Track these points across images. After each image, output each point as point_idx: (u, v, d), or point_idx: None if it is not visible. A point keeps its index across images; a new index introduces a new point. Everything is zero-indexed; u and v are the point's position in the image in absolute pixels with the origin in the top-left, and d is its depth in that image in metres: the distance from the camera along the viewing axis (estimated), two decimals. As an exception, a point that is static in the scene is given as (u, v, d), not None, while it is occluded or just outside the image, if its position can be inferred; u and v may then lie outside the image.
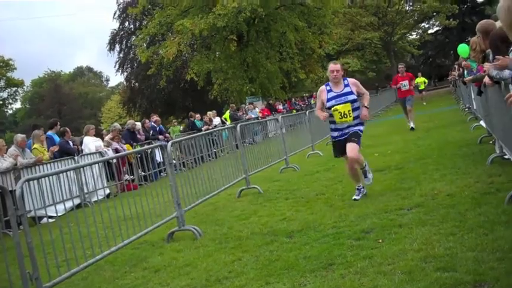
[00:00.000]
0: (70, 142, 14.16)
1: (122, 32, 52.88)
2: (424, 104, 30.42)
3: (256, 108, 30.40)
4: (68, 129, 14.50)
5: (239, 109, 28.09)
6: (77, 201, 10.17)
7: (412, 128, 16.25)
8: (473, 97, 13.89)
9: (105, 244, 6.26)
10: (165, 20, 33.76)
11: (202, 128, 20.98)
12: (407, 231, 5.35)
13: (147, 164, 11.66)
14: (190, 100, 50.73)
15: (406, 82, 16.97)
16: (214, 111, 26.04)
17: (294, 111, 33.32)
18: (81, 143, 14.92)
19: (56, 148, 13.43)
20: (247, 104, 32.53)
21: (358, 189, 7.62)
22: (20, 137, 12.39)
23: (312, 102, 41.90)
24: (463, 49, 12.32)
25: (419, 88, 32.63)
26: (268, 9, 32.29)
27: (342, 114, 7.42)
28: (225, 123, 24.29)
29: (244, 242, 6.26)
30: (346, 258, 4.87)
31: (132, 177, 13.21)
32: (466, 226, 5.13)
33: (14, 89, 71.29)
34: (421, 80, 33.41)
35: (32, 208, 7.53)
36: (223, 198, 9.90)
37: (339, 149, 7.62)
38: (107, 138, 16.25)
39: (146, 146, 14.32)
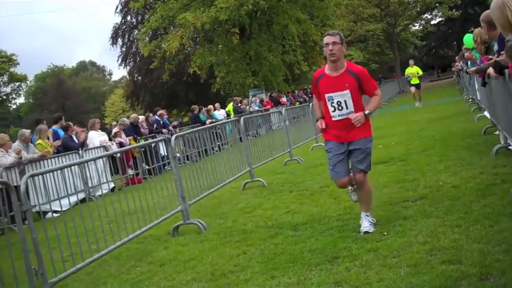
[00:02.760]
0: (74, 137, 14.17)
1: (124, 26, 52.90)
2: (419, 105, 22.93)
3: (258, 99, 30.29)
4: (71, 123, 14.52)
5: (241, 101, 28.03)
6: (81, 195, 10.16)
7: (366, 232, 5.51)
8: (477, 88, 13.84)
9: (110, 239, 6.27)
10: (167, 13, 33.67)
11: (207, 122, 20.95)
12: (413, 223, 5.34)
13: (151, 158, 11.66)
14: (193, 93, 50.78)
15: (346, 100, 5.63)
16: (217, 104, 25.93)
17: (297, 103, 33.27)
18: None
19: (58, 143, 13.46)
20: (251, 96, 32.52)
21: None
22: (27, 132, 12.41)
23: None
24: (468, 39, 12.29)
25: (412, 82, 23.82)
26: (270, 2, 32.21)
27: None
28: (229, 116, 24.26)
29: (249, 236, 6.26)
30: (351, 251, 4.86)
31: (136, 171, 13.22)
32: (471, 218, 5.11)
33: (17, 84, 71.27)
34: (413, 71, 24.07)
35: (36, 203, 7.55)
36: (228, 191, 9.89)
37: None
38: (115, 130, 16.31)
39: (150, 140, 14.34)
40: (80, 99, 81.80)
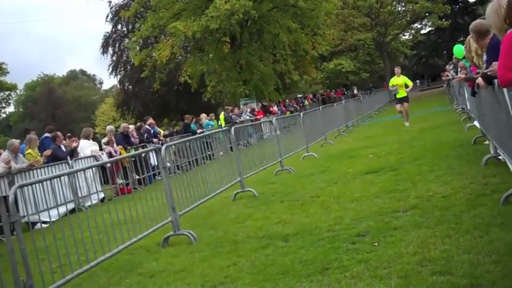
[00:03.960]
0: (62, 147, 14.12)
1: (115, 35, 52.91)
2: (407, 124, 18.21)
3: (248, 109, 30.27)
4: (59, 133, 14.42)
5: (233, 110, 28.02)
6: (70, 206, 10.10)
7: None
8: (467, 97, 13.91)
9: (99, 250, 6.22)
10: (157, 22, 33.67)
11: (197, 131, 20.91)
12: (403, 234, 5.33)
13: (142, 168, 11.61)
14: (184, 102, 50.78)
15: None
16: (204, 115, 25.82)
17: (288, 112, 33.33)
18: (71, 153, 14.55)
19: (49, 152, 13.38)
20: (242, 105, 32.54)
21: None
22: (16, 142, 12.32)
23: (306, 103, 41.92)
24: (458, 50, 12.36)
25: (398, 96, 18.69)
26: (260, 11, 32.29)
27: None
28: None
29: (240, 246, 6.24)
30: (342, 262, 4.85)
31: (126, 181, 13.16)
32: (462, 228, 5.11)
33: (7, 93, 70.93)
34: (400, 82, 18.67)
35: (25, 213, 7.49)
36: (219, 201, 9.86)
37: None
38: (104, 141, 16.25)
39: (140, 150, 14.29)
40: (70, 108, 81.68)
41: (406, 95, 18.62)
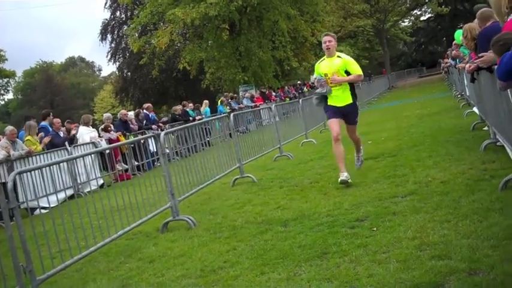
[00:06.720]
0: (61, 133, 14.09)
1: (114, 22, 52.77)
2: (358, 165, 8.67)
3: (247, 94, 30.22)
4: (55, 120, 14.39)
5: (233, 97, 27.97)
6: (69, 191, 10.11)
7: None
8: (466, 84, 13.88)
9: (99, 235, 6.23)
10: (156, 9, 33.50)
11: (196, 118, 20.87)
12: (402, 219, 5.35)
13: (141, 154, 11.62)
14: (183, 89, 50.79)
15: None
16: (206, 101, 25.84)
17: (287, 99, 33.26)
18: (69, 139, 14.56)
19: (48, 139, 13.38)
20: (242, 92, 32.48)
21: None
22: (8, 129, 12.29)
23: (305, 90, 41.84)
24: (459, 35, 12.30)
25: (331, 102, 7.99)
26: (260, -3, 32.14)
27: None
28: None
29: (239, 232, 6.25)
30: (341, 247, 4.86)
31: (125, 167, 13.16)
32: (460, 213, 5.12)
33: (5, 80, 70.76)
34: (335, 67, 7.80)
35: (24, 199, 7.50)
36: (218, 187, 9.87)
37: None
38: (101, 127, 16.26)
39: (140, 136, 14.29)
40: (69, 95, 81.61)
41: (350, 101, 8.08)
